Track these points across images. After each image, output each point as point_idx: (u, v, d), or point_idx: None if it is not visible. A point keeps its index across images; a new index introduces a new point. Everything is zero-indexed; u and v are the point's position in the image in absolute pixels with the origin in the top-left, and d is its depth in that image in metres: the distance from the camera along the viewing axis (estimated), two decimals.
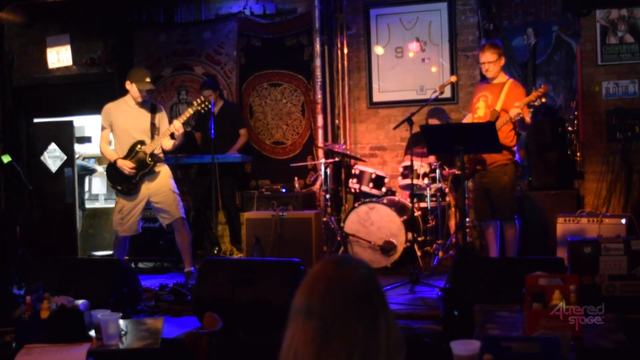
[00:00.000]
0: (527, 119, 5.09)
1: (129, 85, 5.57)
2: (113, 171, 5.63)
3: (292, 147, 7.52)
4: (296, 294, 1.43)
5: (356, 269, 1.44)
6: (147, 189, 5.59)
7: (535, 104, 5.17)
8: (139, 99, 5.58)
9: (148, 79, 5.59)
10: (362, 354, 1.35)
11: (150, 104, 5.71)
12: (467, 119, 5.45)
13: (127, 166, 5.51)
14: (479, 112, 5.29)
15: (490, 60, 5.22)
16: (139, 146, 5.55)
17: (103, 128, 5.71)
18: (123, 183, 5.59)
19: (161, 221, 5.74)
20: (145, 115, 5.62)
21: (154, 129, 5.62)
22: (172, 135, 5.58)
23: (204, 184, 6.77)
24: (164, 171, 5.67)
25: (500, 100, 5.15)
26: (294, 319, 1.40)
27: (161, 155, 5.67)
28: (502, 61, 5.28)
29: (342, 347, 1.34)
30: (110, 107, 5.71)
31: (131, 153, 5.55)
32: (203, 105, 5.67)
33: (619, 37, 6.15)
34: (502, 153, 5.10)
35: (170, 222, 5.63)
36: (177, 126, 5.51)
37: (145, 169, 5.54)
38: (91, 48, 8.17)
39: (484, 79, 5.53)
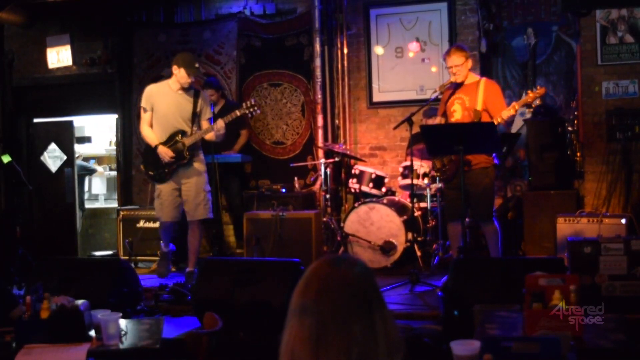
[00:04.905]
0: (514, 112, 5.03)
1: (176, 70, 5.48)
2: (149, 155, 5.57)
3: (292, 147, 7.52)
4: (293, 293, 1.43)
5: (351, 267, 1.43)
6: (180, 179, 5.55)
7: (532, 105, 5.13)
8: (186, 85, 5.50)
9: (197, 64, 5.54)
10: (360, 352, 1.35)
11: (193, 90, 5.62)
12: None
13: (167, 154, 5.45)
14: (456, 114, 5.23)
15: (457, 64, 5.16)
16: (179, 136, 5.49)
17: (145, 110, 5.60)
18: (155, 169, 5.55)
19: (186, 216, 5.69)
20: (189, 103, 5.54)
21: (195, 117, 5.56)
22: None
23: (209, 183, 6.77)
24: (199, 168, 5.61)
25: (480, 100, 5.10)
26: (291, 319, 1.41)
27: (200, 150, 5.63)
28: (470, 64, 5.24)
29: (340, 344, 1.34)
30: (152, 89, 5.62)
31: (170, 141, 5.50)
32: (252, 109, 5.60)
33: (619, 37, 6.15)
34: (484, 155, 5.09)
35: (190, 219, 5.62)
36: (220, 126, 5.46)
37: (181, 160, 5.50)
38: (91, 48, 8.16)
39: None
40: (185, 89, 5.53)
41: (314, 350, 1.34)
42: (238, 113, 5.57)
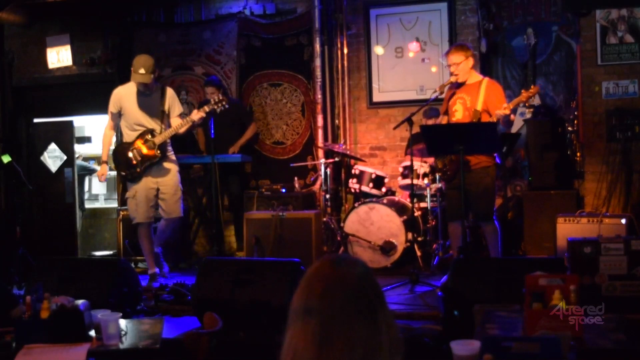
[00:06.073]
0: (512, 116, 5.02)
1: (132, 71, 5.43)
2: (118, 155, 5.55)
3: (292, 147, 7.52)
4: (294, 294, 1.43)
5: (353, 267, 1.44)
6: (155, 179, 5.52)
7: (527, 104, 5.12)
8: (140, 87, 5.44)
9: (142, 70, 5.32)
10: (364, 352, 1.35)
11: (160, 88, 5.57)
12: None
13: (102, 176, 5.71)
14: (457, 114, 5.20)
15: (456, 62, 5.11)
16: (148, 135, 5.45)
17: (112, 115, 5.57)
18: (127, 169, 5.52)
19: (160, 213, 5.66)
20: (156, 102, 5.49)
21: (163, 116, 5.52)
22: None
23: (209, 184, 6.77)
24: (172, 166, 5.59)
25: (480, 100, 5.07)
26: (293, 320, 1.40)
27: (170, 150, 5.61)
28: (471, 62, 5.18)
29: (343, 346, 1.34)
30: (119, 91, 5.57)
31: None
32: (220, 105, 5.55)
33: (619, 37, 6.16)
34: (485, 154, 5.08)
35: (166, 217, 5.61)
36: (198, 117, 5.42)
37: (152, 160, 5.47)
38: (91, 48, 8.16)
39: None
40: (149, 89, 5.47)
41: (317, 351, 1.34)
42: (207, 109, 5.51)
